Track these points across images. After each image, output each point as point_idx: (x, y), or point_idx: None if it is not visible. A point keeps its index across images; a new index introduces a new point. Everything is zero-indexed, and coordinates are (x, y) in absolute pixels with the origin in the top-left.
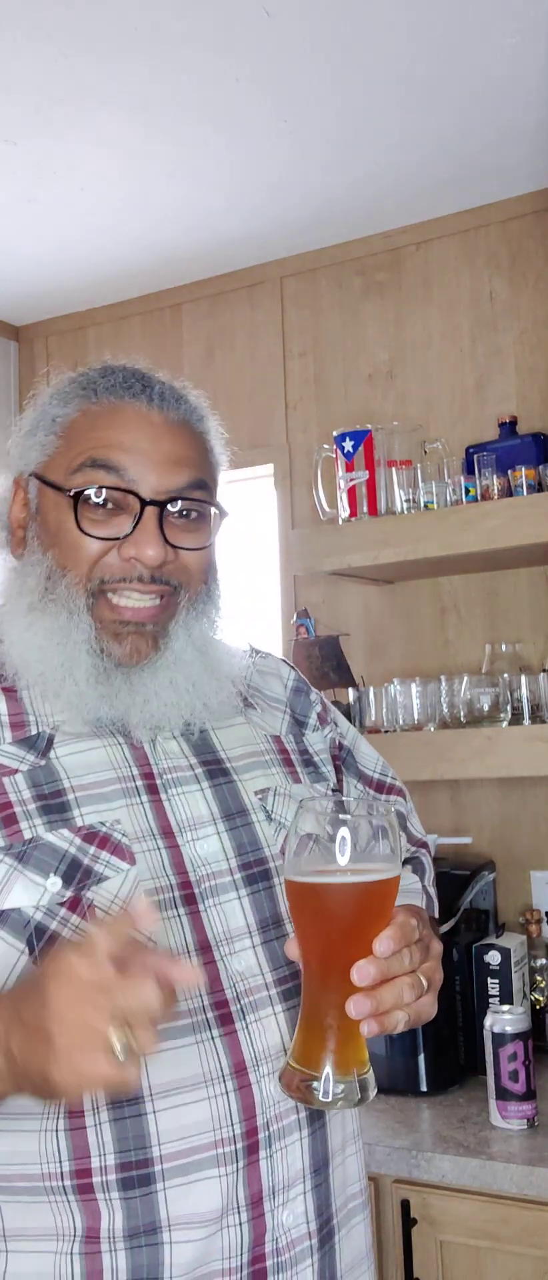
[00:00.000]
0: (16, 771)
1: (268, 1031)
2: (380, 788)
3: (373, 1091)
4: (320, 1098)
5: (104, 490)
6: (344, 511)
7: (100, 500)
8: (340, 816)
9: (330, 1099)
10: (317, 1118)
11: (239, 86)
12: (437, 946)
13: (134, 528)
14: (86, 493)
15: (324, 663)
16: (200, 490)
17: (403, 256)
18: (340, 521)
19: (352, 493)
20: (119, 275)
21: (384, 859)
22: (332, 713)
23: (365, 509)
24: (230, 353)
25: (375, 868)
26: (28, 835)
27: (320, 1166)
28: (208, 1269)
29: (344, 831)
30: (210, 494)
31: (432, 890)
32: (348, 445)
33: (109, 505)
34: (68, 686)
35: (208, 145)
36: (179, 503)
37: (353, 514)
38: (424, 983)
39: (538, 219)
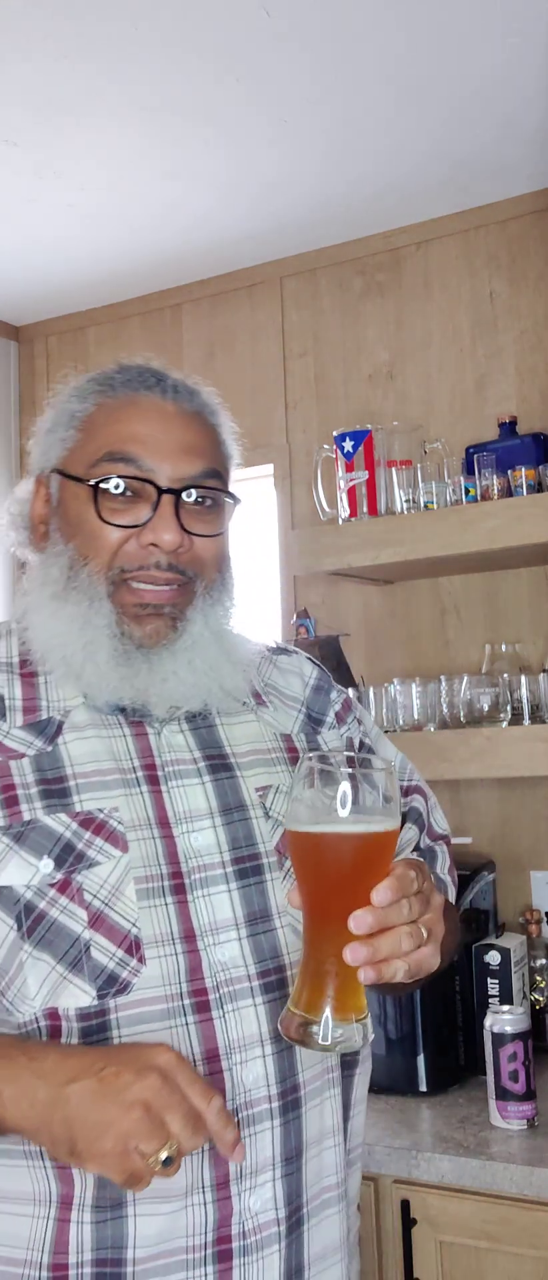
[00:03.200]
0: (23, 756)
1: (245, 1021)
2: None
3: (369, 1039)
4: (320, 1041)
5: (122, 481)
6: (344, 511)
7: (119, 490)
8: (340, 770)
9: (329, 1042)
10: (292, 1109)
11: (240, 87)
12: (437, 899)
13: (152, 514)
14: (105, 484)
15: (324, 663)
16: (214, 479)
17: (403, 256)
18: (340, 521)
19: (352, 493)
20: (119, 275)
21: (382, 813)
22: (357, 710)
23: (365, 509)
24: (230, 353)
25: (373, 820)
26: (27, 817)
27: (293, 1156)
28: (172, 1244)
29: (344, 785)
30: (223, 483)
31: (447, 877)
32: (348, 445)
33: (128, 494)
34: (89, 669)
35: (208, 145)
36: (194, 491)
37: (353, 514)
38: (424, 933)
39: (538, 219)
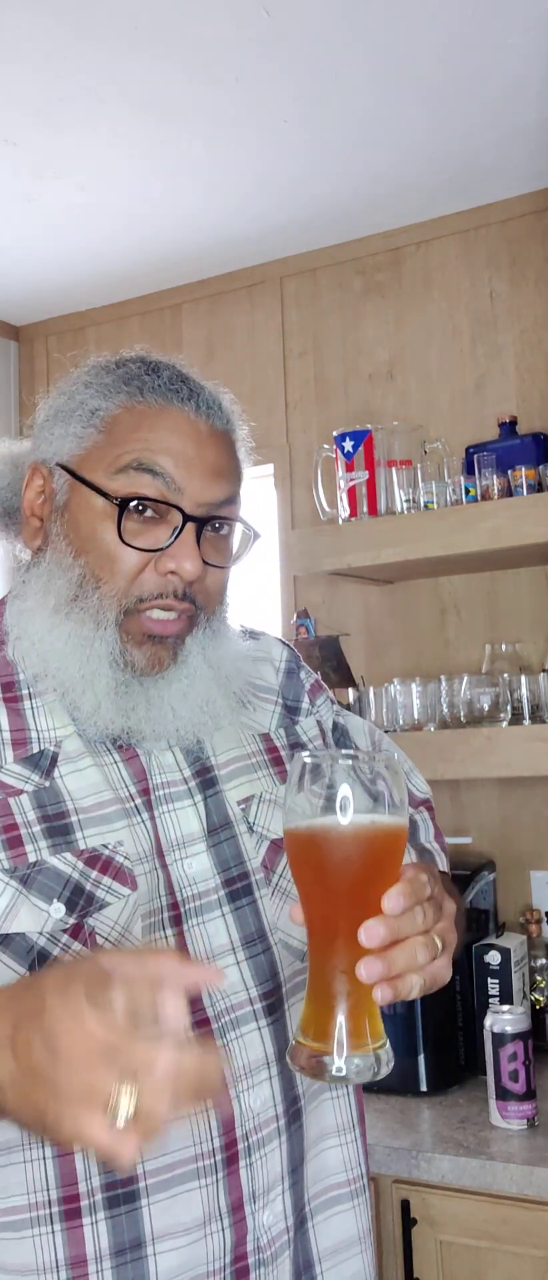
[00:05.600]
0: (22, 792)
1: (250, 1047)
2: None
3: (390, 1064)
4: (334, 1073)
5: (144, 503)
6: (344, 511)
7: (141, 509)
8: (340, 764)
9: (345, 1074)
10: (294, 1120)
11: (239, 86)
12: (449, 905)
13: (173, 539)
14: (130, 504)
15: (324, 663)
16: (232, 505)
17: (403, 256)
18: (340, 521)
19: (352, 493)
20: (119, 275)
21: (389, 809)
22: (327, 690)
23: (365, 509)
24: (230, 353)
25: (380, 817)
26: (32, 858)
27: (297, 1165)
28: (193, 1273)
29: (346, 782)
30: (238, 508)
31: (434, 844)
32: (348, 445)
33: (148, 514)
34: (87, 698)
35: (208, 145)
36: (216, 522)
37: (353, 514)
38: (439, 944)
39: (538, 219)
